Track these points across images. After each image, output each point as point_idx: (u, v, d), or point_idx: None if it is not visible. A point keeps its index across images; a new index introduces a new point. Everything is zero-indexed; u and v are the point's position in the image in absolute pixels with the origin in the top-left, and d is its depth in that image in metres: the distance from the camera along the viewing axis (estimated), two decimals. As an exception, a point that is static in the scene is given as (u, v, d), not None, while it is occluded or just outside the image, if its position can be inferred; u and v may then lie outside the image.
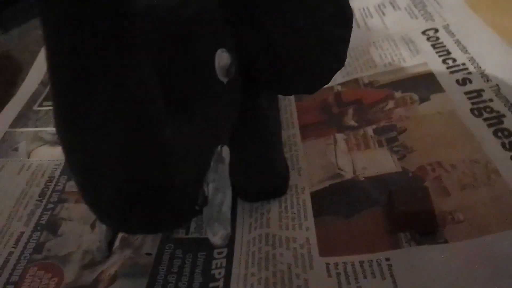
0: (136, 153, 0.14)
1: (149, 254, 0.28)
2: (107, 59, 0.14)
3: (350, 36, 0.25)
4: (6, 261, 0.30)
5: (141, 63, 0.14)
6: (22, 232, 0.31)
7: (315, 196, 0.30)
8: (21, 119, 0.42)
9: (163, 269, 0.27)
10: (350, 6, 0.24)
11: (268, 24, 0.21)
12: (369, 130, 0.33)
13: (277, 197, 0.30)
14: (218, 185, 0.18)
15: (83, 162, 0.15)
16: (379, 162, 0.31)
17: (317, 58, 0.23)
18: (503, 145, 0.29)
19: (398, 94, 0.35)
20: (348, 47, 0.25)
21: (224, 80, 0.19)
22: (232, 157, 0.22)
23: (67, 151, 0.15)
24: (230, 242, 0.28)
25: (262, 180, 0.29)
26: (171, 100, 0.16)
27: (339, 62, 0.25)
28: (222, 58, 0.19)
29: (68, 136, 0.15)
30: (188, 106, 0.18)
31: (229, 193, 0.19)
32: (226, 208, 0.19)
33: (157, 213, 0.16)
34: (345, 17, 0.24)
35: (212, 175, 0.18)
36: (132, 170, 0.15)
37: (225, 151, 0.20)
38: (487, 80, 0.34)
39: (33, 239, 0.31)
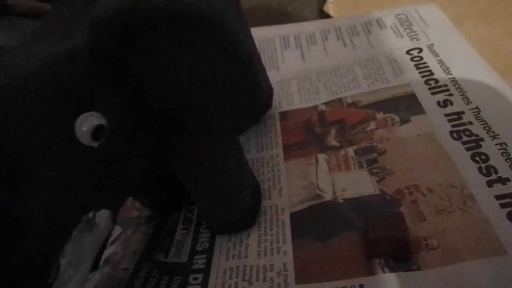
0: None
1: (126, 269, 0.28)
2: None
3: (254, 77, 0.25)
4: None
5: None
6: None
7: (294, 217, 0.30)
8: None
9: (138, 284, 0.27)
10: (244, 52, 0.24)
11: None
12: (350, 150, 0.34)
13: (243, 230, 0.30)
14: (73, 259, 0.18)
15: None
16: (358, 183, 0.31)
17: (231, 105, 0.23)
18: (480, 169, 0.29)
19: (380, 115, 0.36)
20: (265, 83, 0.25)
21: (94, 143, 0.18)
22: (190, 191, 0.22)
23: None
24: (206, 268, 0.28)
25: (224, 215, 0.29)
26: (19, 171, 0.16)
27: (257, 101, 0.25)
28: (88, 121, 0.18)
29: None
30: (42, 176, 0.17)
31: (84, 268, 0.18)
32: (74, 285, 0.18)
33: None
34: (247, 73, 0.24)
35: (71, 246, 0.18)
36: None
37: (101, 216, 0.19)
38: (468, 102, 0.34)
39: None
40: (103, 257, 0.30)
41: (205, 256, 0.29)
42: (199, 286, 0.27)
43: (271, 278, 0.27)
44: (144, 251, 0.29)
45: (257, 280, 0.27)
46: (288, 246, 0.28)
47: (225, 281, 0.27)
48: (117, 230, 0.32)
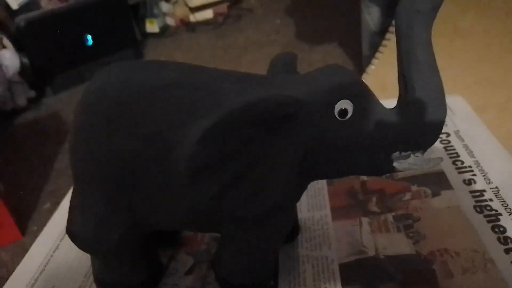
0: None
1: None
2: None
3: None
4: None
5: None
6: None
7: (343, 268, 0.36)
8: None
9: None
10: None
11: None
12: (389, 216, 0.40)
13: None
14: None
15: None
16: (397, 244, 0.38)
17: None
18: (499, 239, 0.36)
19: (414, 188, 0.43)
20: None
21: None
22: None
23: None
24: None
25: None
26: None
27: None
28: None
29: None
30: None
31: None
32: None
33: None
34: None
35: None
36: None
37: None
38: (489, 182, 0.41)
39: None
40: (183, 286, 0.36)
41: (270, 291, 0.35)
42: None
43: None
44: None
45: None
46: (339, 289, 0.34)
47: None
48: (190, 260, 0.39)
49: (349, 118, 0.29)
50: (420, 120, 0.29)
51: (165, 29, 1.85)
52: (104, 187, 0.30)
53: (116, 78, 0.29)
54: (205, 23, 1.85)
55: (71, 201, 0.33)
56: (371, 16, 0.97)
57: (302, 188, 0.33)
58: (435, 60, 0.29)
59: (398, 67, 0.30)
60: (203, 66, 0.31)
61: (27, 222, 0.97)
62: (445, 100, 0.29)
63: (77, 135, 0.30)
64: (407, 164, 0.30)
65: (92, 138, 0.29)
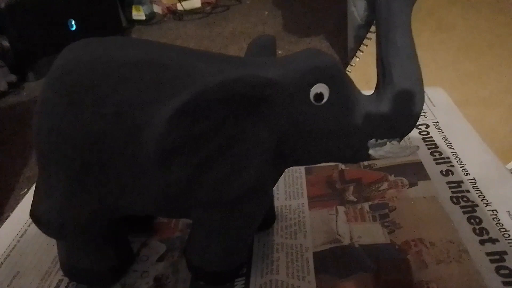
0: None
1: None
2: None
3: None
4: None
5: None
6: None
7: (317, 255, 0.36)
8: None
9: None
10: None
11: None
12: (366, 205, 0.40)
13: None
14: None
15: None
16: (372, 233, 0.37)
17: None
18: (474, 230, 0.35)
19: (391, 178, 0.42)
20: None
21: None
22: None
23: None
24: (245, 286, 0.34)
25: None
26: None
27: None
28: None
29: None
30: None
31: None
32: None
33: None
34: None
35: None
36: None
37: None
38: (466, 174, 0.41)
39: None
40: (153, 272, 0.36)
41: (243, 278, 0.34)
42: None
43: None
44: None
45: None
46: (312, 278, 0.34)
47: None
48: (162, 247, 0.38)
49: (324, 102, 0.28)
50: (397, 107, 0.28)
51: (151, 17, 1.82)
52: (69, 167, 0.28)
53: (82, 54, 0.28)
54: (193, 12, 1.82)
55: (36, 184, 0.32)
56: (357, 8, 0.96)
57: (278, 173, 0.32)
58: (414, 45, 0.28)
59: (376, 51, 0.29)
60: (175, 45, 0.30)
61: (3, 208, 0.95)
62: (423, 88, 0.28)
63: (41, 113, 0.29)
64: (383, 151, 0.29)
65: (56, 116, 0.28)
